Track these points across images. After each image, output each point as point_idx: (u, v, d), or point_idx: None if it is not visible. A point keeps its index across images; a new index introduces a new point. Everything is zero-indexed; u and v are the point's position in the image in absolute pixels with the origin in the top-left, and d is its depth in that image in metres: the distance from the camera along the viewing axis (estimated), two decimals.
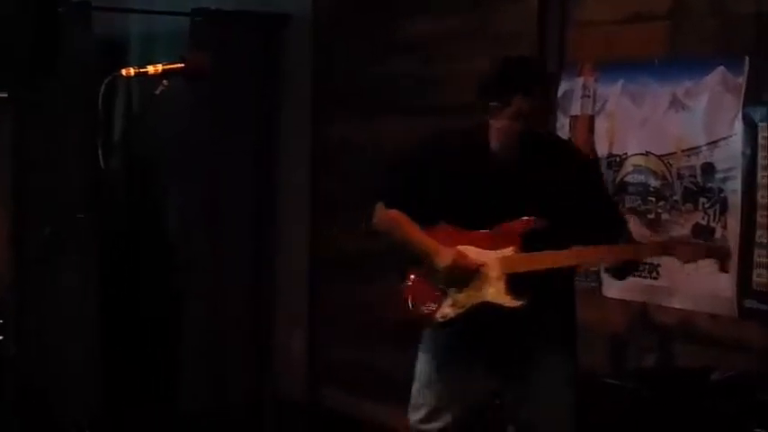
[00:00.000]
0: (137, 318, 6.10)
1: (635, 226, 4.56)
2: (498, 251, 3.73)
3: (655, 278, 4.53)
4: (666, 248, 3.86)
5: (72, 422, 5.34)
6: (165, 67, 3.50)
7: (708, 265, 4.12)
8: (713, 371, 4.05)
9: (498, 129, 3.73)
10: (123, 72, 3.47)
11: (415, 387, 3.99)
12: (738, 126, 4.25)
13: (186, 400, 6.09)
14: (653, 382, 4.11)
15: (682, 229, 4.44)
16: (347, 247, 6.11)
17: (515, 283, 3.71)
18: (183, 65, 3.53)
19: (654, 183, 4.56)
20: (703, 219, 4.38)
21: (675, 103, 4.46)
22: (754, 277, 4.23)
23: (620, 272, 3.94)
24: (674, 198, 4.48)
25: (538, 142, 3.73)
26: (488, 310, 3.73)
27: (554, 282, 3.73)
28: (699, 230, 4.38)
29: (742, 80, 4.24)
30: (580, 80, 4.83)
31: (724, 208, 4.31)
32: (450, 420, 3.91)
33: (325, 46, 6.20)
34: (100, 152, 3.47)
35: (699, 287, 4.36)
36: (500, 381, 3.89)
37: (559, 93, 4.89)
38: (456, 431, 3.93)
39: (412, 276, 3.82)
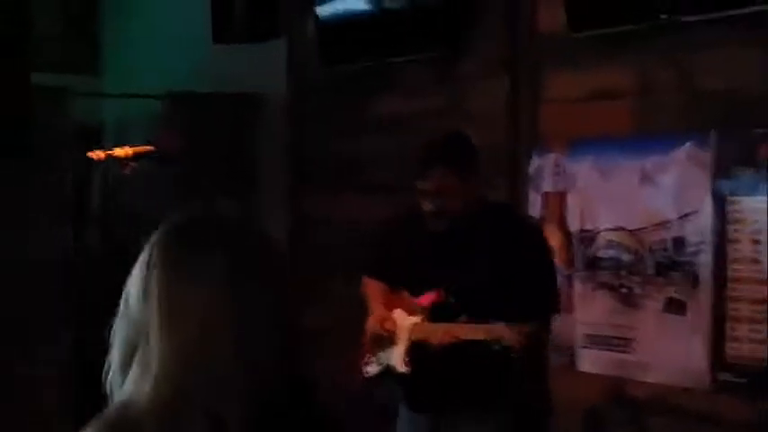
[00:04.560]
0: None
1: (608, 301, 4.58)
2: (413, 317, 3.94)
3: (628, 352, 4.53)
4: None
5: None
6: (134, 149, 3.53)
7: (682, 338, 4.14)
8: None
9: (422, 202, 3.91)
10: (93, 155, 3.49)
11: None
12: (707, 200, 4.28)
13: None
14: None
15: (655, 303, 4.45)
16: None
17: (415, 349, 3.89)
18: (151, 147, 3.56)
19: (626, 257, 4.57)
20: (676, 292, 4.39)
21: (645, 179, 4.48)
22: (727, 350, 4.23)
23: None
24: (647, 272, 4.50)
25: (470, 214, 3.88)
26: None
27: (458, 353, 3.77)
28: (671, 304, 4.40)
29: (709, 154, 4.28)
30: (551, 157, 4.86)
31: (696, 281, 4.33)
32: None
33: (299, 125, 6.24)
34: (71, 231, 3.49)
35: (672, 361, 4.37)
36: None
37: (531, 170, 4.94)
38: None
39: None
